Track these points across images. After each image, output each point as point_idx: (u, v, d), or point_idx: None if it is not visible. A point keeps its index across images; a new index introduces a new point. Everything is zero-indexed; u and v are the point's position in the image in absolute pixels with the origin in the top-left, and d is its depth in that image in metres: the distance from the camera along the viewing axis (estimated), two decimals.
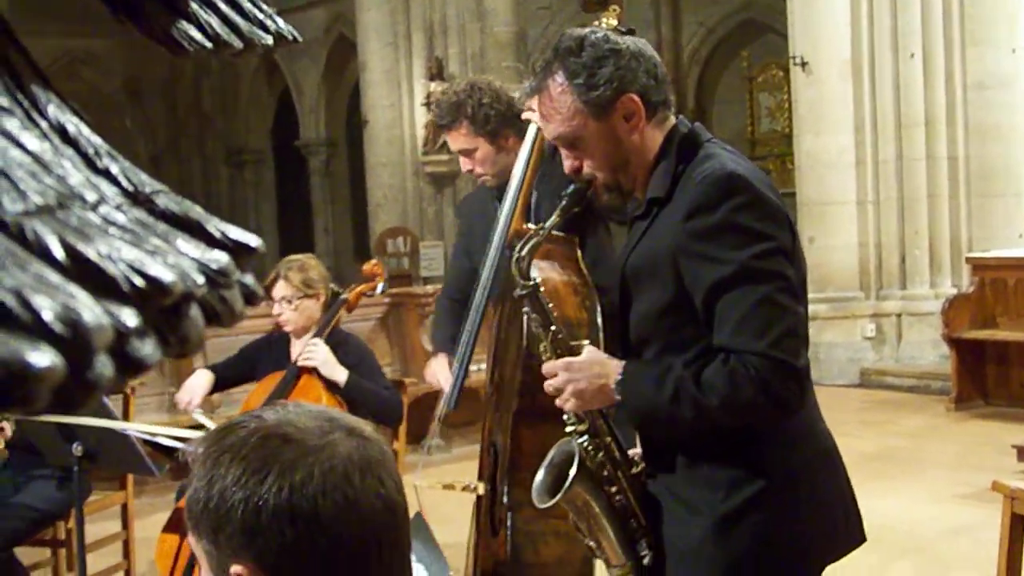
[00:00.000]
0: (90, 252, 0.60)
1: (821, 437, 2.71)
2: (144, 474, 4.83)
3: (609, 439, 2.72)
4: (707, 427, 2.54)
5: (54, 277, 0.57)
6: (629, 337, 2.74)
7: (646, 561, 2.70)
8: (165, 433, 4.11)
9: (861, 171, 11.50)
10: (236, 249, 0.71)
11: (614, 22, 3.33)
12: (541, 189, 4.01)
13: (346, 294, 4.96)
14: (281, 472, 1.49)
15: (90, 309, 0.56)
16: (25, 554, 5.28)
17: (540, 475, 2.77)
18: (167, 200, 0.72)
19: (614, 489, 2.70)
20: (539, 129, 3.92)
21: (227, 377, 5.18)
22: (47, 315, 0.54)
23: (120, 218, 0.67)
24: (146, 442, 4.29)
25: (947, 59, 11.19)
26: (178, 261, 0.65)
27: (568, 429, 2.73)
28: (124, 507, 5.65)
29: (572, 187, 2.78)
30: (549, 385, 2.70)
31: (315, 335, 4.83)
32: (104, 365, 0.57)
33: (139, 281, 0.61)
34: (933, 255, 11.43)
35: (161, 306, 0.63)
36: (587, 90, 2.63)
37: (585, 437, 2.70)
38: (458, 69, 15.13)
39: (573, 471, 2.64)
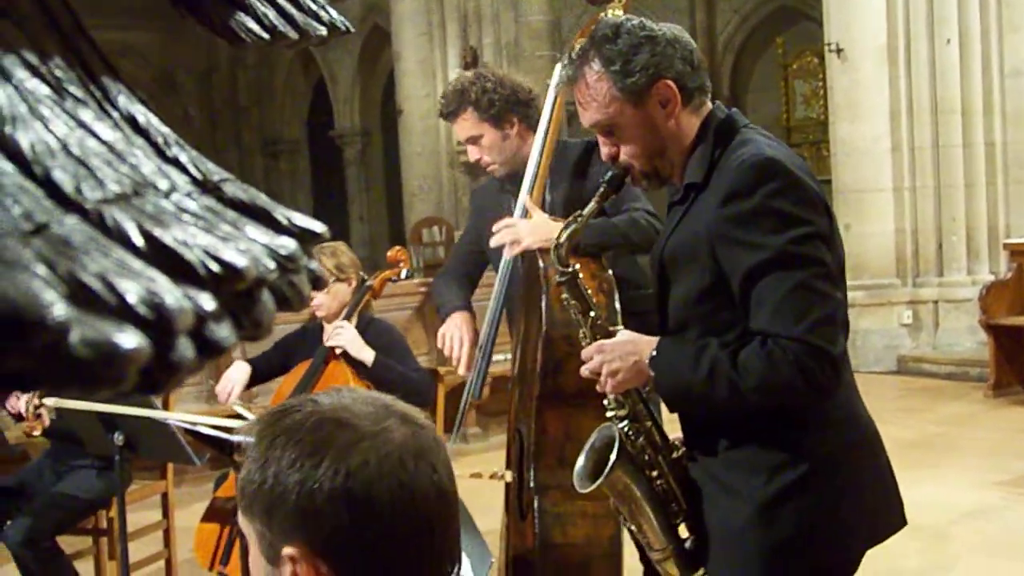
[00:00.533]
0: (167, 238, 0.63)
1: (862, 422, 2.71)
2: (184, 463, 4.88)
3: (650, 423, 2.73)
4: (739, 407, 2.55)
5: (135, 262, 0.59)
6: (667, 322, 2.75)
7: (688, 545, 2.71)
8: (205, 422, 4.14)
9: (897, 158, 11.41)
10: (302, 235, 0.73)
11: (620, 12, 3.32)
12: (552, 179, 4.02)
13: (371, 281, 4.98)
14: (337, 456, 1.49)
15: (171, 293, 0.58)
16: (68, 542, 5.33)
17: (581, 460, 2.79)
18: (234, 188, 0.74)
19: (655, 473, 2.71)
20: (551, 119, 3.93)
21: (264, 370, 5.22)
22: (132, 298, 0.56)
23: (192, 205, 0.69)
24: (186, 431, 4.33)
25: (984, 45, 11.09)
26: (249, 247, 0.67)
27: (608, 414, 2.75)
28: (164, 496, 5.70)
29: (610, 173, 2.79)
30: (585, 370, 2.72)
31: (342, 319, 4.86)
32: (186, 347, 0.59)
33: (215, 266, 0.63)
34: (970, 242, 11.34)
35: (235, 291, 0.65)
36: (623, 77, 2.64)
37: (625, 422, 2.72)
38: (492, 58, 15.11)
39: (614, 455, 2.66)
